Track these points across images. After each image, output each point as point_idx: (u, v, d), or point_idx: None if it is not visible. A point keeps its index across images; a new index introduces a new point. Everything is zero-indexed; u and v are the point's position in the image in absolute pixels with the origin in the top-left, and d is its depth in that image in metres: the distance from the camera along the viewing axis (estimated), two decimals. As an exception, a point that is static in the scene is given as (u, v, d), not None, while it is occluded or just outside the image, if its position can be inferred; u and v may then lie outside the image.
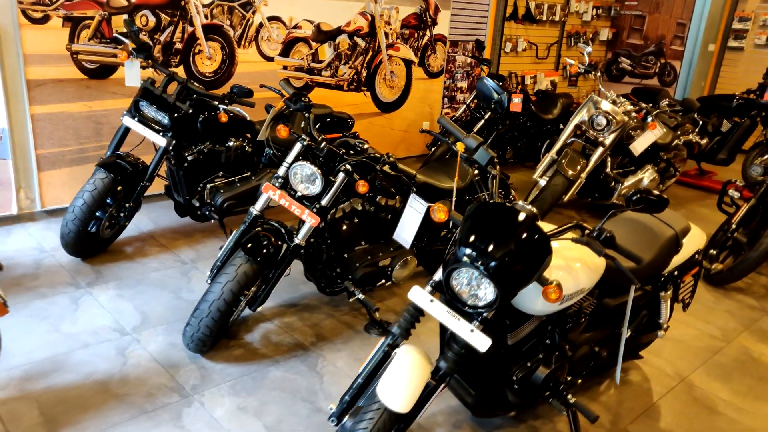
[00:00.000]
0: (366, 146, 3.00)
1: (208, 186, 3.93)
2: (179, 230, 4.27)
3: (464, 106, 5.97)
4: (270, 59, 5.19)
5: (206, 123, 3.77)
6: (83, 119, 4.24)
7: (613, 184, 5.16)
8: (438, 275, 2.03)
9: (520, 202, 1.97)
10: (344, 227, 3.07)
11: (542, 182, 4.92)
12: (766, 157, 4.21)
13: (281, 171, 2.88)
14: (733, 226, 4.12)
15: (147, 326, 3.04)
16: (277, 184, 2.85)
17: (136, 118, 3.60)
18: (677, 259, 2.65)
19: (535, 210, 1.96)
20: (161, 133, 3.61)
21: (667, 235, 2.55)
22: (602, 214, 5.50)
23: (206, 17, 4.69)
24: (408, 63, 6.30)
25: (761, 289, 4.16)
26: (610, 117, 4.85)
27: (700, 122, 5.93)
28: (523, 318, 2.20)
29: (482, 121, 5.85)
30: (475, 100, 5.95)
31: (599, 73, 5.26)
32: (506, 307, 2.13)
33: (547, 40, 7.73)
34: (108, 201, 3.58)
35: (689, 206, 5.99)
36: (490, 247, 1.83)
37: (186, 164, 3.83)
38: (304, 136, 2.93)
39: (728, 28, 8.46)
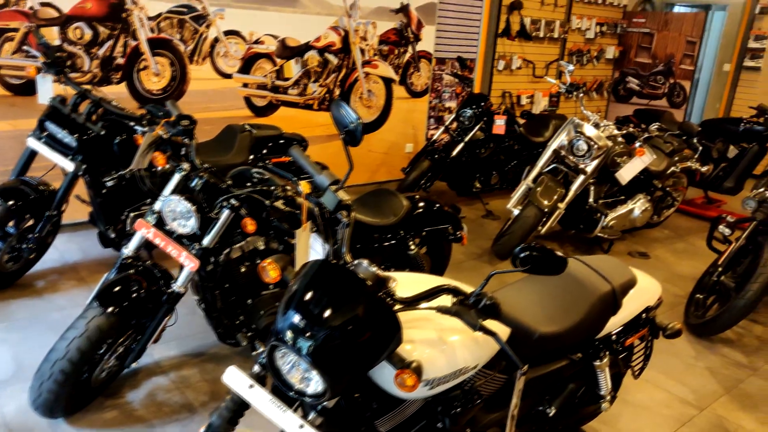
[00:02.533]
0: (266, 176, 2.62)
1: (131, 215, 3.60)
2: (108, 262, 3.95)
3: (443, 128, 5.56)
4: (227, 76, 4.88)
5: (124, 146, 3.44)
6: (8, 139, 3.97)
7: (597, 215, 4.67)
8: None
9: (365, 263, 1.56)
10: (243, 270, 2.69)
11: (516, 212, 4.48)
12: (762, 189, 3.69)
13: (157, 205, 2.51)
14: (720, 269, 3.61)
15: (17, 380, 2.68)
16: (151, 221, 2.49)
17: (42, 140, 3.30)
18: (616, 321, 2.19)
19: (381, 273, 1.55)
20: (69, 157, 3.30)
21: (600, 291, 2.10)
22: (587, 248, 5.01)
23: (153, 30, 4.40)
24: (388, 81, 5.93)
25: (754, 341, 3.62)
26: (592, 142, 4.38)
27: (700, 147, 5.40)
28: (398, 399, 1.77)
29: (461, 144, 5.43)
30: (455, 123, 5.54)
31: (582, 94, 4.80)
32: (370, 385, 1.71)
33: (546, 57, 7.28)
34: (10, 230, 3.27)
35: (690, 238, 5.45)
36: (313, 325, 1.43)
37: (105, 191, 3.51)
38: (183, 165, 2.56)
39: (744, 47, 7.89)
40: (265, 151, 4.10)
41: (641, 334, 2.33)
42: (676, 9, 9.76)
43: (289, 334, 1.46)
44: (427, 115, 6.39)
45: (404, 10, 5.81)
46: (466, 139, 5.43)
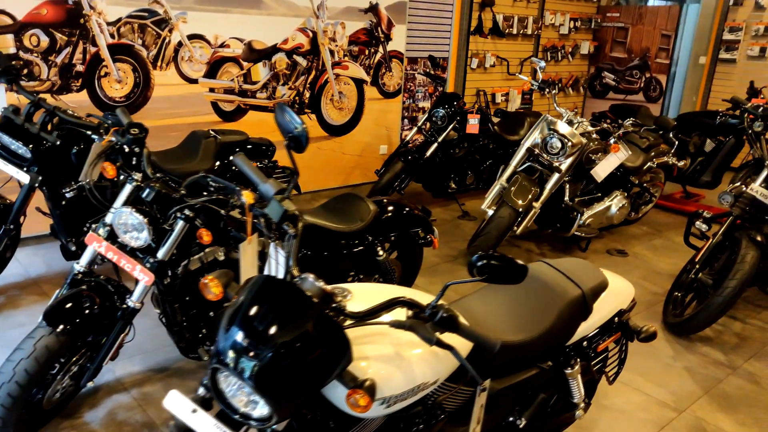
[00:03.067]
0: (221, 185, 2.50)
1: (93, 226, 3.45)
2: (69, 274, 3.80)
3: (416, 128, 5.47)
4: (193, 81, 4.75)
5: (82, 156, 3.30)
6: (-39, 151, 3.81)
7: (574, 214, 4.60)
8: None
9: (311, 278, 1.46)
10: (203, 281, 2.57)
11: (491, 213, 4.40)
12: (738, 183, 3.64)
13: (108, 218, 2.39)
14: (697, 266, 3.55)
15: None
16: (103, 234, 2.36)
17: (-7, 152, 3.15)
18: (587, 326, 2.11)
19: (329, 288, 1.45)
20: (24, 169, 3.16)
21: (569, 296, 2.02)
22: (565, 247, 4.94)
23: (113, 36, 4.26)
24: (359, 82, 5.83)
25: (733, 339, 3.57)
26: (566, 140, 4.32)
27: (676, 142, 5.37)
28: (356, 418, 1.67)
29: (435, 145, 5.34)
30: (428, 123, 5.45)
31: (554, 91, 4.74)
32: (325, 404, 1.61)
33: (520, 54, 7.23)
34: (-39, 247, 3.12)
35: (669, 234, 5.41)
36: (255, 345, 1.33)
37: (64, 202, 3.37)
38: (135, 175, 2.44)
39: (719, 39, 7.91)
40: (231, 157, 3.98)
41: (614, 338, 2.25)
42: (651, 3, 9.78)
43: (230, 355, 1.36)
44: (400, 115, 6.30)
45: (373, 9, 5.71)
46: (440, 139, 5.34)
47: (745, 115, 4.97)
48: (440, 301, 1.48)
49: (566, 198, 4.54)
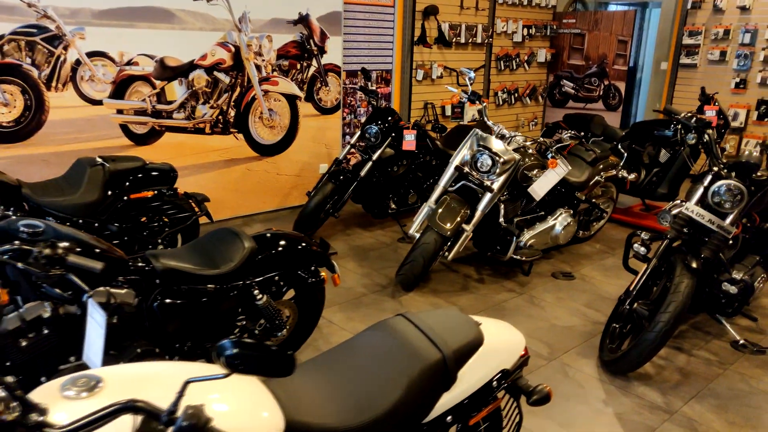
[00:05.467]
0: (42, 229, 2.11)
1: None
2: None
3: (349, 146, 5.10)
4: (97, 102, 4.36)
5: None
6: None
7: (510, 236, 4.24)
8: None
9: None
10: (25, 344, 2.17)
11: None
12: (679, 201, 3.29)
13: None
14: (633, 295, 3.19)
15: None
16: None
17: None
18: (452, 397, 1.73)
19: (27, 398, 1.07)
20: None
21: (425, 362, 1.64)
22: (507, 270, 4.58)
23: (-5, 56, 3.88)
24: (291, 98, 5.47)
25: (674, 375, 3.20)
26: (497, 157, 3.96)
27: (626, 153, 5.03)
28: None
29: (369, 163, 4.98)
30: (362, 141, 5.09)
31: (485, 104, 4.39)
32: None
33: (472, 65, 6.90)
34: None
35: (622, 252, 5.05)
36: None
37: None
38: None
39: (679, 44, 7.63)
40: (126, 186, 3.60)
41: (493, 406, 1.87)
42: (612, 8, 9.53)
43: None
44: (341, 132, 5.94)
45: (304, 20, 5.37)
46: (374, 157, 4.98)
47: (678, 126, 4.64)
48: (184, 403, 1.10)
49: (501, 219, 4.17)
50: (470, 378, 1.76)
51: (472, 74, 4.43)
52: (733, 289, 3.13)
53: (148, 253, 2.42)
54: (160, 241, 3.79)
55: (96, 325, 1.97)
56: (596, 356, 3.36)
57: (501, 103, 7.41)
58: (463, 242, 4.06)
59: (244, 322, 2.74)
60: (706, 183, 3.13)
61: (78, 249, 2.14)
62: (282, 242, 2.78)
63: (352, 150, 5.16)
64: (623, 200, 6.28)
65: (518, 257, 4.29)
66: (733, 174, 3.06)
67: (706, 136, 4.36)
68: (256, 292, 2.63)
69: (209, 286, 2.50)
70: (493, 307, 3.96)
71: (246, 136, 5.26)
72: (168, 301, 2.40)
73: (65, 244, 2.01)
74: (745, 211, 3.08)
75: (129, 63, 4.45)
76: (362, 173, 4.98)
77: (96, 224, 3.44)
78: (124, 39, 4.37)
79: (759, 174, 3.03)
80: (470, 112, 6.84)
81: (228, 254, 2.57)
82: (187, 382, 1.11)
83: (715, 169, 3.11)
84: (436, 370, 1.65)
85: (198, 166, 5.01)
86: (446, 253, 4.11)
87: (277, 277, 2.76)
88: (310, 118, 5.68)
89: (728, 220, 3.07)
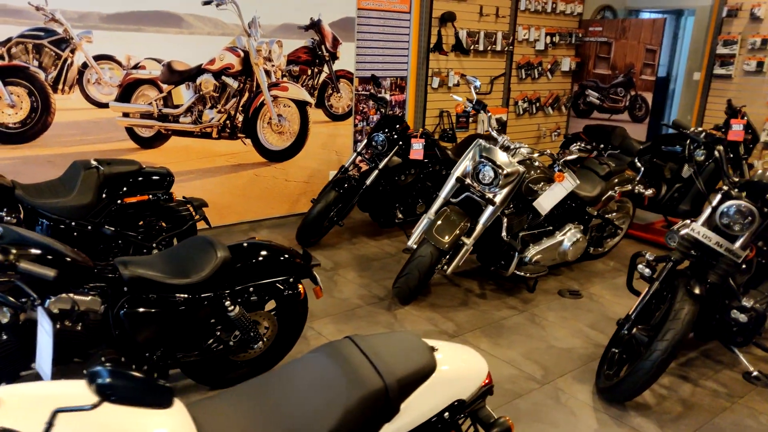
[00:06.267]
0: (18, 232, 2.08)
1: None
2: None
3: (355, 154, 5.02)
4: (103, 105, 4.39)
5: None
6: None
7: (513, 251, 4.08)
8: None
9: None
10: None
11: (418, 250, 3.91)
12: (688, 221, 3.09)
13: None
14: (632, 319, 3.01)
15: None
16: None
17: None
18: (395, 429, 1.61)
19: None
20: None
21: (363, 392, 1.53)
22: (512, 287, 4.41)
23: (2, 57, 3.93)
24: (301, 104, 5.43)
25: (676, 407, 3.00)
26: (500, 169, 3.82)
27: (642, 168, 4.81)
28: None
29: (376, 172, 4.89)
30: (370, 150, 5.00)
31: (489, 113, 4.25)
32: None
33: (491, 72, 6.75)
34: None
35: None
36: None
37: None
38: None
39: (713, 53, 7.31)
40: (121, 189, 3.59)
41: (446, 440, 1.74)
42: (645, 15, 9.24)
43: None
44: (353, 139, 5.86)
45: (315, 26, 5.32)
46: (381, 165, 4.88)
47: (687, 142, 4.40)
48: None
49: (503, 233, 4.02)
50: (417, 409, 1.64)
51: (478, 83, 4.30)
52: (742, 318, 2.92)
53: (118, 260, 2.38)
54: (155, 245, 3.77)
55: (45, 333, 1.93)
56: (593, 382, 3.18)
57: (522, 112, 7.23)
58: (463, 256, 3.92)
59: (219, 333, 2.67)
60: (715, 203, 2.93)
61: (36, 254, 2.10)
62: (259, 253, 2.71)
63: (360, 158, 5.07)
64: (645, 216, 6.03)
65: (522, 273, 4.13)
66: (744, 194, 2.85)
67: (716, 152, 4.12)
68: (227, 303, 2.56)
69: (179, 295, 2.44)
70: (491, 324, 3.80)
71: (254, 141, 5.23)
72: (135, 309, 2.34)
73: (17, 250, 1.97)
74: (757, 233, 2.87)
75: (136, 67, 4.46)
76: (368, 182, 4.89)
77: (89, 227, 3.44)
78: (131, 43, 4.39)
79: (772, 194, 2.82)
80: (486, 122, 6.67)
81: (200, 263, 2.51)
82: (56, 411, 1.03)
83: (725, 188, 2.91)
84: (376, 400, 1.54)
85: (204, 170, 5.00)
86: (445, 266, 3.98)
87: (252, 289, 2.68)
88: (321, 125, 5.62)
89: (738, 243, 2.86)
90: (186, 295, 2.44)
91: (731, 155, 4.97)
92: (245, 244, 2.72)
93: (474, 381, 1.78)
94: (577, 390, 3.11)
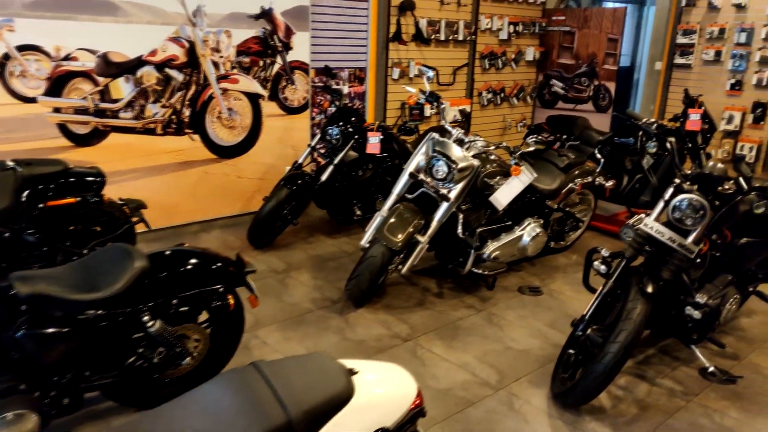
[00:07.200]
0: None
1: None
2: None
3: (309, 148, 4.81)
4: (30, 100, 4.11)
5: None
6: None
7: (471, 248, 3.92)
8: None
9: None
10: None
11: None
12: (642, 215, 2.97)
13: None
14: (586, 319, 2.87)
15: None
16: None
17: None
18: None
19: None
20: None
21: (263, 429, 1.34)
22: (470, 285, 4.26)
23: None
24: (253, 97, 5.19)
25: (632, 408, 2.88)
26: (453, 163, 3.65)
27: (602, 159, 4.70)
28: None
29: (331, 167, 4.69)
30: (322, 143, 4.80)
31: (443, 105, 4.09)
32: None
33: (453, 63, 6.58)
34: None
35: (599, 265, 4.72)
36: None
37: None
38: None
39: (673, 43, 7.25)
40: (43, 192, 3.33)
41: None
42: (607, 5, 9.17)
43: None
44: (310, 132, 5.65)
45: (267, 15, 5.08)
46: (336, 160, 4.69)
47: (639, 133, 4.30)
48: None
49: (459, 230, 3.86)
50: (333, 441, 1.46)
51: (431, 73, 4.13)
52: (696, 314, 2.81)
53: (15, 275, 2.14)
54: (86, 251, 3.52)
55: None
56: (549, 386, 3.05)
57: (486, 103, 7.08)
58: (418, 255, 3.75)
59: (141, 350, 2.46)
60: (667, 196, 2.80)
61: None
62: (185, 261, 2.50)
63: (317, 153, 4.87)
64: (608, 207, 5.93)
65: (479, 271, 3.98)
66: (696, 187, 2.73)
67: (668, 144, 4.02)
68: (146, 318, 2.34)
69: (89, 312, 2.22)
70: (446, 325, 3.65)
71: (203, 137, 4.98)
72: (36, 330, 2.12)
73: None
74: (709, 227, 2.76)
75: (66, 58, 4.18)
76: (323, 177, 4.69)
77: (7, 234, 3.18)
78: (60, 32, 4.11)
79: (725, 187, 2.70)
80: (451, 112, 6.52)
81: (114, 275, 2.29)
82: None
83: (677, 181, 2.78)
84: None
85: (149, 168, 4.74)
86: (400, 266, 3.81)
87: (176, 301, 2.47)
88: (275, 118, 5.39)
89: (690, 238, 2.74)
90: (97, 312, 2.22)
91: (689, 145, 4.88)
92: (168, 252, 2.50)
93: (400, 405, 1.61)
94: (532, 395, 2.98)
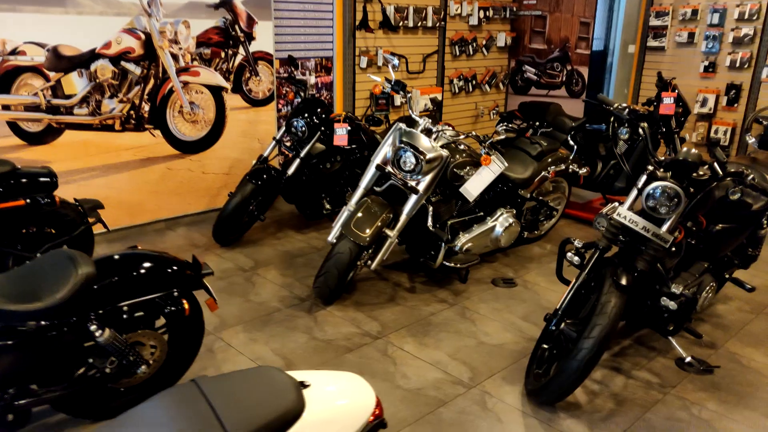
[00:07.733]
0: None
1: None
2: None
3: (274, 142, 4.65)
4: (-23, 98, 3.89)
5: None
6: None
7: (441, 241, 3.82)
8: None
9: None
10: None
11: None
12: (616, 204, 2.88)
13: None
14: (560, 313, 2.79)
15: None
16: None
17: None
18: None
19: None
20: None
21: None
22: (442, 278, 4.16)
23: None
24: (216, 90, 5.01)
25: (608, 403, 2.81)
26: (421, 155, 3.53)
27: (575, 146, 4.62)
28: None
29: (297, 160, 4.54)
30: (288, 136, 4.64)
31: (410, 94, 3.96)
32: None
33: (423, 50, 6.44)
34: None
35: (574, 253, 4.65)
36: None
37: None
38: None
39: (646, 25, 7.21)
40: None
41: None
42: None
43: None
44: (276, 125, 5.48)
45: (227, 4, 4.89)
46: (302, 153, 4.54)
47: (611, 119, 4.23)
48: None
49: (429, 222, 3.75)
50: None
51: (396, 61, 4.00)
52: (672, 305, 2.74)
53: (-58, 287, 1.98)
54: (39, 255, 3.33)
55: None
56: (523, 382, 2.96)
57: (457, 91, 6.97)
58: (387, 249, 3.64)
59: (92, 361, 2.31)
60: (640, 184, 2.72)
61: None
62: (136, 265, 2.35)
63: (282, 146, 4.72)
64: (583, 194, 5.87)
65: (451, 264, 3.88)
66: (670, 174, 2.64)
67: (640, 130, 3.94)
68: (93, 327, 2.19)
69: (29, 323, 2.07)
70: (418, 321, 3.55)
71: (164, 132, 4.79)
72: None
73: None
74: (684, 215, 2.68)
75: (14, 52, 3.96)
76: (290, 171, 4.54)
77: (-51, 240, 3.00)
78: (5, 25, 3.89)
79: (700, 173, 2.62)
80: (422, 101, 6.38)
81: (57, 283, 2.13)
82: None
83: (650, 168, 2.69)
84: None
85: (108, 166, 4.55)
86: (369, 261, 3.70)
87: (127, 308, 2.33)
88: (240, 111, 5.22)
89: (665, 226, 2.66)
90: (38, 323, 2.07)
91: (663, 129, 4.82)
92: (117, 256, 2.35)
93: (356, 419, 1.50)
94: (506, 392, 2.89)
